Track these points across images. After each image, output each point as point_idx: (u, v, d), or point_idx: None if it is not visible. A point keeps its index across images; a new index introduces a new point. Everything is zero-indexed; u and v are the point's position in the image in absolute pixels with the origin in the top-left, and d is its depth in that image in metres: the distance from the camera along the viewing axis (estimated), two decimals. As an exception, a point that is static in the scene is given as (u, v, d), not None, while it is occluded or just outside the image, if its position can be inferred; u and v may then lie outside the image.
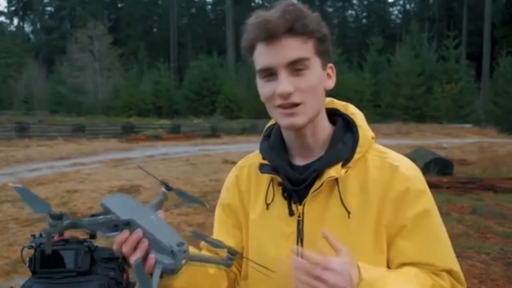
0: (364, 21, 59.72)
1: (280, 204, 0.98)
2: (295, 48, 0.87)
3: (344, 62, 33.08)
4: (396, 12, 62.27)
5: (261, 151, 1.01)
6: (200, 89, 31.77)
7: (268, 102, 0.92)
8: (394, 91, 28.15)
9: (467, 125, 22.84)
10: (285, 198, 0.97)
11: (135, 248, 0.80)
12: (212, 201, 7.02)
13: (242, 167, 1.09)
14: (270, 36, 0.87)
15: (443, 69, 28.57)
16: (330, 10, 59.93)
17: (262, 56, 0.89)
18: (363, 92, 28.84)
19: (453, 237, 5.09)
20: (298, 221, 0.95)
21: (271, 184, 1.00)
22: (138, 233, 0.79)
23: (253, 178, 1.05)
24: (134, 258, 0.79)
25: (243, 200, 1.06)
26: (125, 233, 0.81)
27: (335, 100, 1.02)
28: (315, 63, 0.90)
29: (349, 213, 0.91)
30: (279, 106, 0.89)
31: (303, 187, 0.93)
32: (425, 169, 8.42)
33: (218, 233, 1.08)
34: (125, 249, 0.81)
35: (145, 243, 0.79)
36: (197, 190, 7.73)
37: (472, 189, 7.16)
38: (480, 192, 7.09)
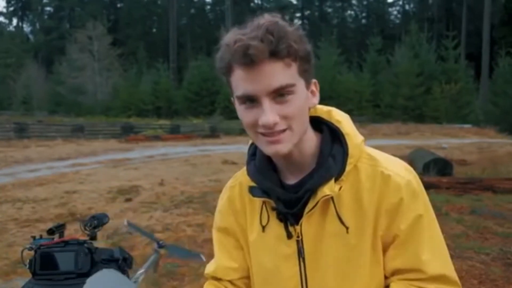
0: (363, 21, 59.75)
1: (276, 226, 0.95)
2: (279, 74, 0.80)
3: (343, 63, 33.11)
4: (395, 13, 62.35)
5: (249, 175, 0.96)
6: (200, 89, 31.77)
7: (250, 129, 0.86)
8: (393, 91, 28.16)
9: (466, 126, 22.83)
10: (280, 220, 0.94)
11: None
12: (212, 201, 7.02)
13: (232, 187, 1.04)
14: (251, 62, 0.79)
15: (442, 69, 28.58)
16: (329, 10, 59.97)
17: (242, 82, 0.82)
18: (362, 93, 28.86)
19: (452, 237, 5.09)
20: (297, 241, 0.93)
21: (264, 206, 0.96)
22: None
23: (246, 196, 1.00)
24: None
25: (240, 221, 1.02)
26: None
27: (318, 106, 0.96)
28: (300, 86, 0.84)
29: (347, 228, 0.89)
30: (263, 134, 0.84)
31: (298, 209, 0.90)
32: (425, 169, 8.43)
33: (220, 256, 1.05)
34: None
35: None
36: (196, 191, 7.73)
37: (472, 190, 7.17)
38: (480, 193, 7.09)
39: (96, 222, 1.54)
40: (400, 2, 59.89)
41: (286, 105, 0.82)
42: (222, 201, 1.06)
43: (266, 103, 0.81)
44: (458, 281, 0.90)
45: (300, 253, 0.93)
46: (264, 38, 0.79)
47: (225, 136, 20.42)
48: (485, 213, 6.00)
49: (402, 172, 0.90)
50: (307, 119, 0.89)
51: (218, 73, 0.89)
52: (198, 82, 32.14)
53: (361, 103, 28.40)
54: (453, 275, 0.89)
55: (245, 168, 1.01)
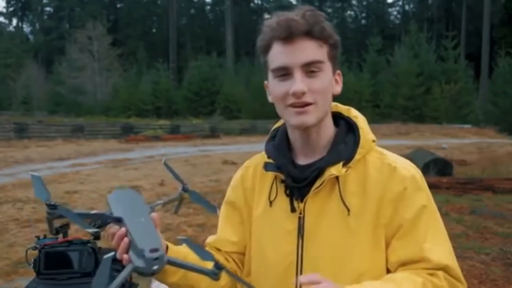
0: (363, 21, 59.79)
1: (282, 201, 1.00)
2: (312, 50, 0.91)
3: (343, 63, 33.11)
4: (395, 13, 62.35)
5: (266, 151, 1.05)
6: (200, 89, 31.79)
7: (280, 101, 0.95)
8: (393, 91, 28.18)
9: (466, 126, 22.87)
10: (287, 195, 0.99)
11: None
12: (213, 202, 7.00)
13: (247, 167, 1.13)
14: (290, 35, 0.90)
15: (442, 69, 28.61)
16: (329, 10, 59.96)
17: (279, 55, 0.92)
18: (362, 93, 28.87)
19: (452, 237, 5.09)
20: (299, 217, 0.97)
21: (274, 182, 1.03)
22: (122, 231, 0.81)
23: (258, 177, 1.08)
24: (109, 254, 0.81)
25: (247, 198, 1.09)
26: (115, 228, 0.84)
27: (339, 104, 1.05)
28: (327, 67, 0.94)
29: (348, 210, 0.93)
30: (291, 105, 0.92)
31: (304, 185, 0.96)
32: (425, 169, 8.44)
33: (223, 228, 1.11)
34: (113, 242, 0.85)
35: (125, 242, 0.80)
36: (197, 191, 7.74)
37: (471, 190, 7.19)
38: (479, 193, 7.11)
39: (100, 222, 1.55)
40: (400, 3, 59.92)
41: (314, 80, 0.92)
42: (235, 177, 1.15)
43: (298, 74, 0.91)
44: (462, 277, 0.91)
45: (300, 230, 0.97)
46: (303, 18, 0.91)
47: (225, 136, 20.44)
48: (485, 213, 6.02)
49: (408, 167, 0.97)
50: (330, 101, 0.98)
51: (258, 53, 0.99)
52: (198, 82, 32.16)
53: (361, 103, 28.38)
54: (457, 268, 0.91)
55: (261, 153, 1.11)
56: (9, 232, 5.36)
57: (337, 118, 1.03)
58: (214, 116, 25.87)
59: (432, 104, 26.48)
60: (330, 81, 0.95)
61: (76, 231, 1.72)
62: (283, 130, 1.05)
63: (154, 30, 57.72)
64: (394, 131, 20.93)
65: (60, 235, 1.55)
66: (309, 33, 0.90)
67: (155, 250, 0.79)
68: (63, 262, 1.46)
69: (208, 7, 61.57)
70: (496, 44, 37.13)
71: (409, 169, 0.96)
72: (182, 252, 0.97)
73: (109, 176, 9.36)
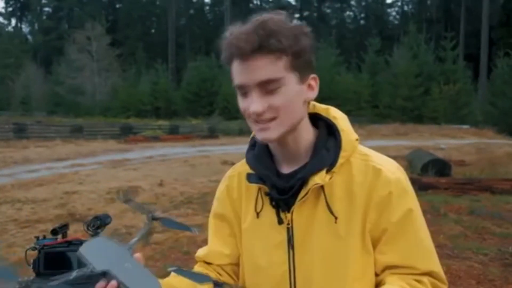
0: (362, 22, 59.84)
1: (269, 213, 0.98)
2: (265, 68, 0.85)
3: (342, 63, 33.16)
4: (394, 13, 62.44)
5: (248, 161, 1.01)
6: (199, 90, 31.81)
7: (246, 117, 0.92)
8: (392, 92, 28.19)
9: (465, 126, 22.89)
10: (273, 206, 0.97)
11: None
12: (212, 202, 7.03)
13: (231, 176, 1.09)
14: (241, 54, 0.86)
15: (441, 70, 28.64)
16: (328, 11, 60.06)
17: (236, 74, 0.89)
18: (361, 93, 28.90)
19: (451, 237, 5.10)
20: (288, 228, 0.96)
21: (259, 193, 1.00)
22: (112, 285, 0.79)
23: (243, 186, 1.05)
24: None
25: (236, 209, 1.06)
26: (102, 283, 0.81)
27: (317, 104, 1.00)
28: (290, 79, 0.87)
29: (336, 218, 0.92)
30: (254, 121, 0.90)
31: (289, 196, 0.93)
32: (423, 170, 8.45)
33: (214, 241, 1.09)
34: None
35: None
36: (196, 191, 7.75)
37: (470, 190, 7.19)
38: (478, 193, 7.11)
39: (99, 222, 1.55)
40: (399, 3, 60.03)
41: (274, 96, 0.87)
42: (220, 189, 1.10)
43: (254, 94, 0.87)
44: (445, 278, 0.92)
45: (290, 240, 0.96)
46: (254, 33, 0.84)
47: (224, 137, 20.43)
48: (484, 213, 6.02)
49: (393, 169, 0.94)
50: (299, 111, 0.92)
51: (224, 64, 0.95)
52: (197, 83, 32.17)
53: (359, 104, 28.44)
54: (441, 270, 0.92)
55: (242, 161, 1.07)
56: (8, 232, 5.35)
57: (317, 119, 0.99)
58: (213, 116, 25.89)
59: (431, 105, 26.51)
60: (295, 93, 0.88)
61: (75, 232, 1.72)
62: None
63: (153, 31, 57.75)
64: (393, 131, 20.94)
65: (59, 236, 1.56)
66: (261, 48, 0.84)
67: None
68: (63, 262, 1.46)
69: (207, 8, 61.63)
70: (494, 45, 37.23)
71: (394, 172, 0.93)
72: (174, 283, 0.95)
73: (108, 177, 9.35)
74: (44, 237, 1.56)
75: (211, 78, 32.30)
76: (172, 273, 0.97)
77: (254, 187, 1.01)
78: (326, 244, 0.93)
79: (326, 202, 0.93)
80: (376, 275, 0.94)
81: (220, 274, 1.07)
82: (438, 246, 4.67)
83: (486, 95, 29.37)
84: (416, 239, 0.91)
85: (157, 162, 11.66)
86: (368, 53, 33.08)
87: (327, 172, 0.92)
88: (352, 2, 60.43)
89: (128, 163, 11.53)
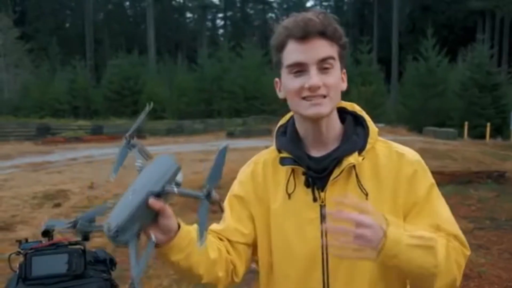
0: (283, 24, 61.54)
1: (302, 193, 1.06)
2: (325, 48, 0.99)
3: (267, 63, 33.83)
4: (313, 17, 65.15)
5: (281, 146, 1.09)
6: (121, 88, 30.47)
7: (295, 95, 1.02)
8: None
9: (380, 125, 24.52)
10: (308, 186, 1.05)
11: None
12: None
13: (256, 163, 1.16)
14: (307, 34, 0.98)
15: (358, 72, 30.46)
16: (251, 12, 60.92)
17: (295, 52, 1.00)
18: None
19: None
20: (321, 206, 1.04)
21: (291, 175, 1.08)
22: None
23: (269, 172, 1.12)
24: None
25: (259, 194, 1.12)
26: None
27: (342, 101, 1.13)
28: (337, 65, 1.02)
29: (366, 194, 1.02)
30: (306, 98, 1.00)
31: (324, 175, 1.03)
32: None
33: (232, 220, 1.12)
34: None
35: None
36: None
37: (394, 183, 7.81)
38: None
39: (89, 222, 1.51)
40: (318, 7, 62.69)
41: (327, 75, 1.00)
42: (244, 173, 1.17)
43: (314, 69, 0.99)
44: (467, 244, 1.05)
45: (323, 217, 1.03)
46: (319, 18, 0.99)
47: (151, 137, 19.86)
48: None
49: (413, 152, 1.09)
50: (340, 96, 1.05)
51: (272, 51, 1.05)
52: (119, 81, 30.77)
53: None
54: (463, 236, 1.05)
55: (268, 149, 1.16)
56: None
57: (342, 113, 1.11)
58: (138, 116, 24.99)
59: (350, 105, 28.16)
60: (339, 78, 1.03)
61: (62, 234, 1.64)
62: (293, 125, 1.11)
63: (67, 25, 54.17)
64: (317, 130, 21.77)
65: (45, 239, 1.49)
66: (323, 33, 0.99)
67: (108, 228, 0.85)
68: (51, 265, 1.39)
69: (127, 3, 59.24)
70: (403, 50, 40.49)
71: (414, 154, 1.08)
72: (191, 233, 0.97)
73: (30, 181, 8.68)
74: (27, 241, 1.48)
75: (134, 77, 31.12)
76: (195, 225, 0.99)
77: (283, 171, 1.09)
78: None
79: (358, 180, 1.03)
80: None
81: (228, 252, 1.10)
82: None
83: (397, 96, 31.82)
84: (441, 208, 1.05)
85: (83, 164, 11.05)
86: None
87: (359, 154, 1.03)
88: (274, 5, 61.94)
89: (50, 166, 10.78)
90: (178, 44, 50.91)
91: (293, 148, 1.07)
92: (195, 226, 0.99)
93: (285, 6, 61.71)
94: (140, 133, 20.26)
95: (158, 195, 0.83)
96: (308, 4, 63.89)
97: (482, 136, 20.07)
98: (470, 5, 40.35)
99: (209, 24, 58.52)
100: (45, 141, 16.54)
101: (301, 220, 1.06)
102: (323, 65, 0.99)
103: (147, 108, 1.11)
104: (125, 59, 32.34)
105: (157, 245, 0.91)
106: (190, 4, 57.60)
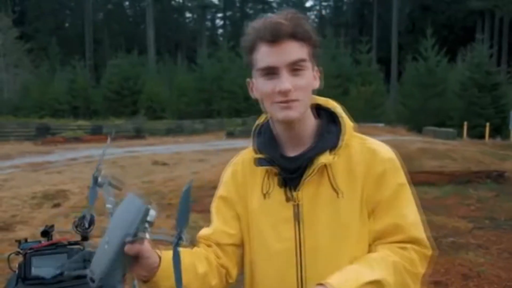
0: (283, 24, 61.57)
1: (276, 193, 1.07)
2: (296, 50, 0.99)
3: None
4: (313, 17, 65.08)
5: (257, 147, 1.10)
6: (121, 88, 30.49)
7: (267, 98, 1.02)
8: (314, 92, 29.37)
9: (380, 124, 24.57)
10: (282, 186, 1.06)
11: None
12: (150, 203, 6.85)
13: (236, 163, 1.18)
14: (277, 37, 0.97)
15: (358, 72, 30.47)
16: (250, 12, 60.92)
17: (266, 56, 0.99)
18: (285, 93, 29.67)
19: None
20: (295, 205, 1.05)
21: (266, 176, 1.09)
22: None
23: (248, 171, 1.14)
24: None
25: (240, 193, 1.14)
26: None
27: (316, 97, 1.12)
28: (309, 65, 1.02)
29: (338, 193, 1.03)
30: (278, 102, 1.00)
31: (297, 175, 1.04)
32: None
33: (218, 222, 1.15)
34: None
35: None
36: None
37: (393, 183, 7.81)
38: (400, 185, 7.76)
39: (87, 222, 1.51)
40: (317, 7, 62.76)
41: (298, 78, 0.99)
42: (226, 174, 1.19)
43: (284, 73, 0.99)
44: (429, 245, 1.06)
45: (297, 216, 1.05)
46: (288, 20, 0.98)
47: (150, 137, 19.88)
48: (407, 203, 6.60)
49: (387, 149, 1.09)
50: (311, 97, 1.05)
51: (243, 52, 1.05)
52: (118, 81, 30.80)
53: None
54: (425, 238, 1.06)
55: (248, 148, 1.16)
56: None
57: (317, 109, 1.11)
58: (138, 116, 25.01)
59: (349, 104, 27.91)
60: (311, 78, 1.03)
61: (60, 234, 1.64)
62: (268, 126, 1.12)
63: (67, 25, 54.17)
64: (316, 130, 21.75)
65: (44, 239, 1.49)
66: (293, 35, 0.98)
67: (91, 280, 0.85)
68: (51, 265, 1.40)
69: (127, 3, 59.24)
70: (403, 50, 40.53)
71: (387, 152, 1.08)
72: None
73: (29, 181, 8.67)
74: (26, 241, 1.48)
75: (134, 77, 31.15)
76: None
77: (260, 171, 1.10)
78: (329, 217, 1.03)
79: (330, 179, 1.04)
80: (368, 245, 1.05)
81: (219, 257, 1.11)
82: (372, 235, 5.05)
83: (397, 96, 31.83)
84: (405, 209, 1.05)
85: (83, 164, 11.04)
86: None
87: (330, 152, 1.03)
88: (274, 4, 61.97)
89: (50, 166, 10.78)
90: (178, 44, 50.94)
91: (268, 149, 1.08)
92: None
93: (284, 6, 61.73)
94: (139, 133, 20.27)
95: (133, 241, 0.82)
96: (308, 4, 63.92)
97: (482, 136, 20.10)
98: (469, 5, 40.40)
99: (208, 24, 58.58)
100: (44, 141, 16.53)
101: (277, 219, 1.07)
102: (293, 68, 0.99)
103: (109, 139, 1.12)
104: (125, 59, 32.38)
105: (144, 281, 0.93)
106: (189, 4, 57.63)
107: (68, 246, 1.46)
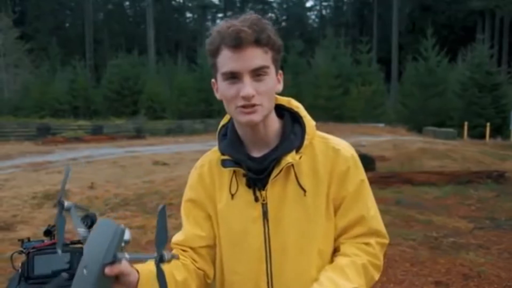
0: (283, 24, 61.60)
1: (244, 193, 1.10)
2: (259, 57, 1.00)
3: (267, 64, 33.75)
4: (313, 17, 65.12)
5: (222, 149, 1.12)
6: (121, 88, 30.49)
7: (230, 102, 1.03)
8: (314, 92, 29.43)
9: (380, 125, 24.61)
10: (249, 187, 1.09)
11: None
12: (149, 203, 6.86)
13: (202, 165, 1.19)
14: (239, 44, 0.98)
15: (358, 72, 30.47)
16: (251, 12, 60.82)
17: (229, 61, 1.01)
18: (285, 93, 29.69)
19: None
20: (263, 204, 1.08)
21: (233, 176, 1.11)
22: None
23: (215, 172, 1.15)
24: None
25: (209, 193, 1.15)
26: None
27: (279, 97, 1.14)
28: (272, 70, 1.04)
29: (305, 191, 1.07)
30: (241, 106, 1.02)
31: (264, 175, 1.07)
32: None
33: (190, 226, 1.16)
34: None
35: None
36: (131, 193, 7.50)
37: (393, 183, 7.83)
38: (400, 185, 7.77)
39: (90, 221, 1.52)
40: (318, 7, 62.73)
41: (261, 83, 1.01)
42: (192, 177, 1.20)
43: (247, 79, 1.00)
44: (386, 234, 1.13)
45: (265, 215, 1.08)
46: (251, 27, 0.99)
47: (151, 137, 19.88)
48: (407, 203, 6.62)
49: (348, 147, 1.14)
50: (274, 100, 1.08)
51: (207, 54, 1.07)
52: (118, 81, 30.79)
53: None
54: (385, 230, 1.13)
55: (213, 149, 1.19)
56: None
57: (280, 109, 1.14)
58: (138, 116, 25.01)
59: (350, 105, 28.08)
60: (274, 82, 1.05)
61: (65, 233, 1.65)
62: (232, 127, 1.13)
63: (67, 25, 54.18)
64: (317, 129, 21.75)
65: (47, 238, 1.50)
66: (257, 42, 0.99)
67: None
68: (54, 264, 1.40)
69: (127, 3, 59.25)
70: (403, 50, 40.53)
71: (349, 150, 1.12)
72: (152, 271, 0.94)
73: (30, 181, 8.68)
74: (29, 240, 1.49)
75: (134, 77, 31.14)
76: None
77: (227, 172, 1.12)
78: (297, 215, 1.07)
79: (296, 178, 1.07)
80: (334, 240, 1.10)
81: (195, 261, 1.13)
82: (373, 235, 5.06)
83: (397, 96, 31.83)
84: (367, 203, 1.11)
85: (84, 164, 11.05)
86: (290, 54, 34.12)
87: (296, 152, 1.07)
88: (274, 4, 61.99)
89: (50, 166, 10.78)
90: (178, 44, 50.95)
91: (233, 150, 1.10)
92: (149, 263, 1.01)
93: (284, 6, 61.75)
94: (140, 133, 20.28)
95: (112, 262, 0.83)
96: (308, 4, 63.90)
97: (482, 136, 20.10)
98: (470, 5, 40.40)
99: (209, 24, 58.52)
100: (45, 141, 16.52)
101: (245, 218, 1.09)
102: (256, 73, 1.01)
103: (69, 172, 1.14)
104: (125, 59, 32.38)
105: None
106: (190, 4, 57.66)
107: (71, 245, 1.46)
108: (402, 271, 4.01)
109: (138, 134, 19.96)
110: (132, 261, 0.88)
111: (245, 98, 1.00)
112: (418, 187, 7.52)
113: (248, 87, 0.99)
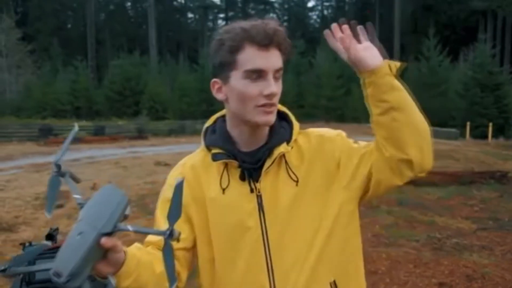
0: (285, 24, 61.57)
1: (237, 186, 1.10)
2: (279, 59, 1.05)
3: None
4: (315, 17, 65.08)
5: (211, 143, 1.13)
6: (123, 89, 30.53)
7: (249, 100, 1.03)
8: (316, 92, 29.40)
9: (382, 124, 24.59)
10: (243, 179, 1.09)
11: None
12: (151, 204, 6.85)
13: (183, 164, 1.18)
14: (270, 42, 1.01)
15: (360, 72, 30.42)
16: (252, 12, 60.93)
17: (256, 58, 1.01)
18: (287, 93, 29.74)
19: (385, 227, 5.54)
20: (258, 196, 1.08)
21: (224, 170, 1.11)
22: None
23: (200, 172, 1.14)
24: None
25: (193, 192, 1.12)
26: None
27: None
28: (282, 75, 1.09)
29: (297, 180, 1.09)
30: (262, 105, 1.03)
31: (259, 166, 1.08)
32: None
33: (165, 226, 1.13)
34: None
35: None
36: (133, 194, 7.50)
37: (396, 183, 7.79)
38: (403, 186, 7.73)
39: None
40: (319, 7, 62.69)
41: (278, 84, 1.06)
42: (173, 176, 1.17)
43: (271, 78, 1.03)
44: None
45: (261, 206, 1.08)
46: (279, 30, 1.03)
47: (153, 138, 19.89)
48: (410, 204, 6.60)
49: (331, 130, 1.19)
50: None
51: (219, 50, 1.05)
52: (120, 81, 30.82)
53: (286, 103, 29.07)
54: None
55: (194, 152, 1.19)
56: None
57: None
58: (140, 116, 25.02)
59: (352, 105, 28.03)
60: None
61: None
62: (221, 125, 1.14)
63: (69, 26, 54.27)
64: (318, 130, 21.81)
65: (49, 242, 1.48)
66: (279, 44, 1.03)
67: (57, 274, 0.77)
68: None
69: (129, 4, 59.31)
70: (405, 50, 40.46)
71: (333, 131, 1.18)
72: (136, 255, 0.97)
73: (32, 181, 8.70)
74: (30, 244, 1.48)
75: (136, 77, 31.17)
76: (135, 244, 1.04)
77: (214, 168, 1.12)
78: (290, 203, 1.08)
79: (288, 167, 1.10)
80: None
81: None
82: (375, 236, 5.04)
83: (399, 96, 31.70)
84: (357, 144, 1.18)
85: (85, 165, 11.05)
86: (292, 54, 34.10)
87: (287, 144, 1.11)
88: (276, 5, 61.97)
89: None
90: (180, 45, 50.97)
91: (224, 143, 1.11)
92: (136, 245, 1.04)
93: (286, 6, 61.73)
94: (141, 134, 20.28)
95: (112, 233, 0.78)
96: (310, 4, 63.87)
97: (484, 136, 20.04)
98: (472, 5, 40.31)
99: (210, 24, 58.54)
100: (47, 141, 16.54)
101: (241, 211, 1.09)
102: (276, 75, 1.04)
103: (74, 130, 1.07)
104: (127, 59, 32.42)
105: (105, 277, 0.88)
106: (191, 5, 57.69)
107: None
108: (406, 273, 3.99)
109: (140, 135, 19.97)
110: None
111: (269, 96, 1.02)
112: (420, 187, 7.49)
113: (274, 85, 1.02)
